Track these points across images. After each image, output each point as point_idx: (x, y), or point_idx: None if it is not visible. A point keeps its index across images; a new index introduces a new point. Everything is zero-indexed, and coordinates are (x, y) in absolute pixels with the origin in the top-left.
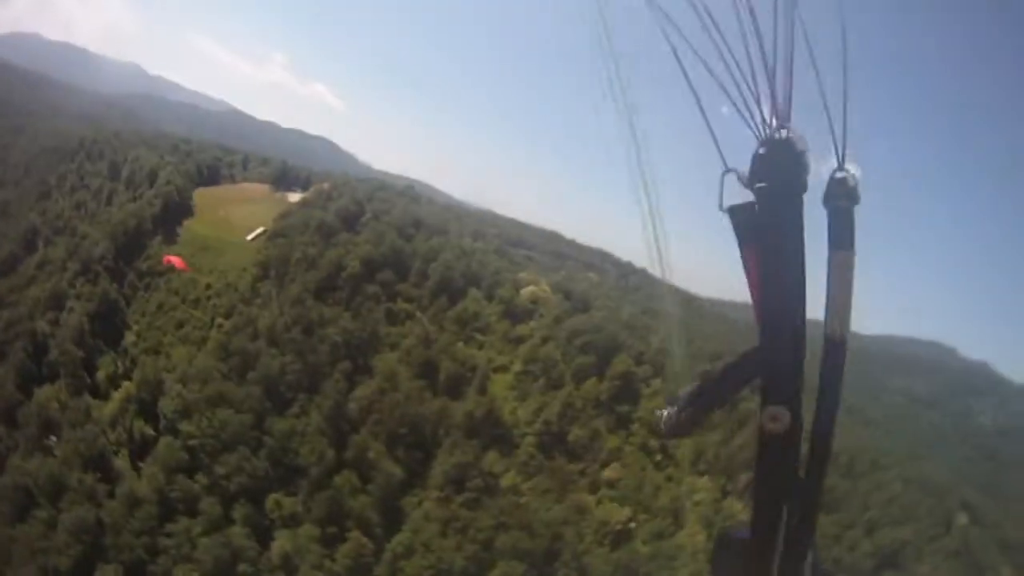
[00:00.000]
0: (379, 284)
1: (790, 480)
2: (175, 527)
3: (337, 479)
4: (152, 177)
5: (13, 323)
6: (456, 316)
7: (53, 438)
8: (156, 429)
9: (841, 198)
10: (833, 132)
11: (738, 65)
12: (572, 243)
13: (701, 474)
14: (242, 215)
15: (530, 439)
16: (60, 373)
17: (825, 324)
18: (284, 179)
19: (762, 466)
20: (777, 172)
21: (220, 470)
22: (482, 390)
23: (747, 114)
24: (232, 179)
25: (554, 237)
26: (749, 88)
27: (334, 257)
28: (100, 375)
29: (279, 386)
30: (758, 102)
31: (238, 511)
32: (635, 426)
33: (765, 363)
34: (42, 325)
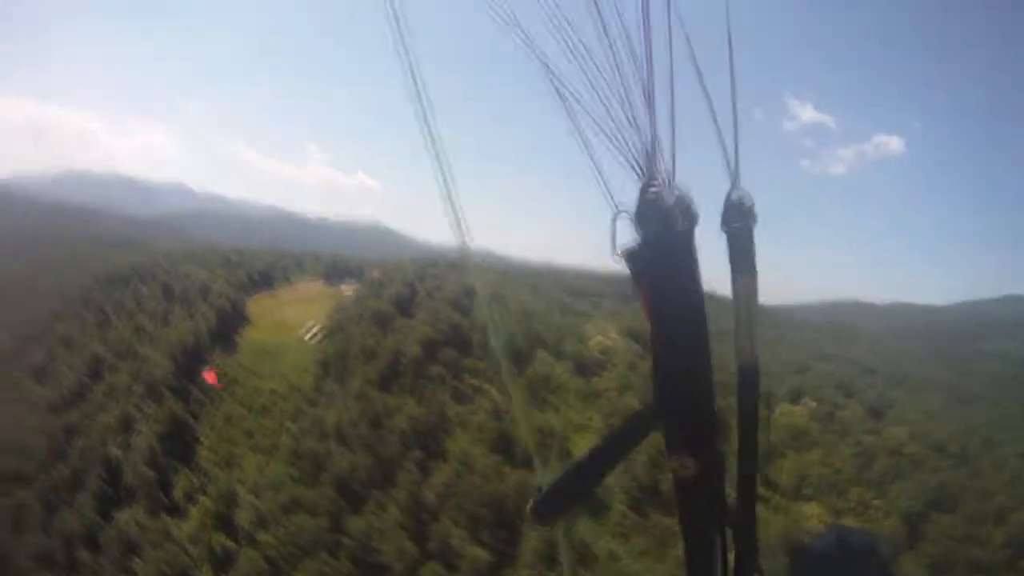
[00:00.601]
0: (442, 364)
1: (715, 516)
2: None
3: (423, 572)
4: (204, 292)
5: (87, 451)
6: (527, 382)
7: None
8: (236, 541)
9: (737, 220)
10: (726, 155)
11: (613, 114)
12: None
13: (808, 500)
14: (298, 315)
15: (620, 498)
16: (136, 495)
17: (735, 351)
18: (337, 272)
19: (683, 509)
20: (649, 223)
21: None
22: (564, 454)
23: (629, 159)
24: (287, 281)
25: (613, 279)
26: (626, 137)
27: (393, 344)
28: (176, 493)
29: (352, 484)
30: (635, 149)
31: None
32: (729, 461)
33: (660, 414)
34: (114, 450)
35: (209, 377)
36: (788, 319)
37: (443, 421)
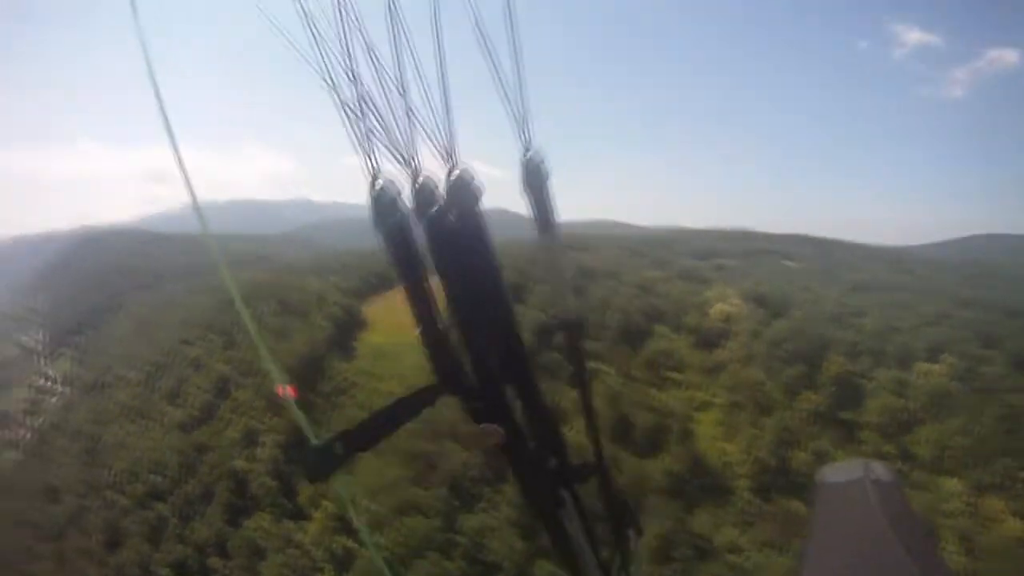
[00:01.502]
0: (556, 350)
1: (555, 475)
2: None
3: (533, 569)
4: (320, 301)
5: (216, 465)
6: (645, 360)
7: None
8: (358, 542)
9: (534, 180)
10: (515, 115)
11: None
12: (765, 236)
13: (949, 475)
14: (408, 321)
15: (744, 482)
16: (262, 503)
17: (555, 308)
18: None
19: (517, 478)
20: (424, 210)
21: None
22: (685, 436)
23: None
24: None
25: (745, 236)
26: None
27: None
28: (301, 499)
29: (464, 482)
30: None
31: None
32: (863, 433)
33: (457, 388)
34: (240, 463)
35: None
36: (919, 260)
37: (556, 410)
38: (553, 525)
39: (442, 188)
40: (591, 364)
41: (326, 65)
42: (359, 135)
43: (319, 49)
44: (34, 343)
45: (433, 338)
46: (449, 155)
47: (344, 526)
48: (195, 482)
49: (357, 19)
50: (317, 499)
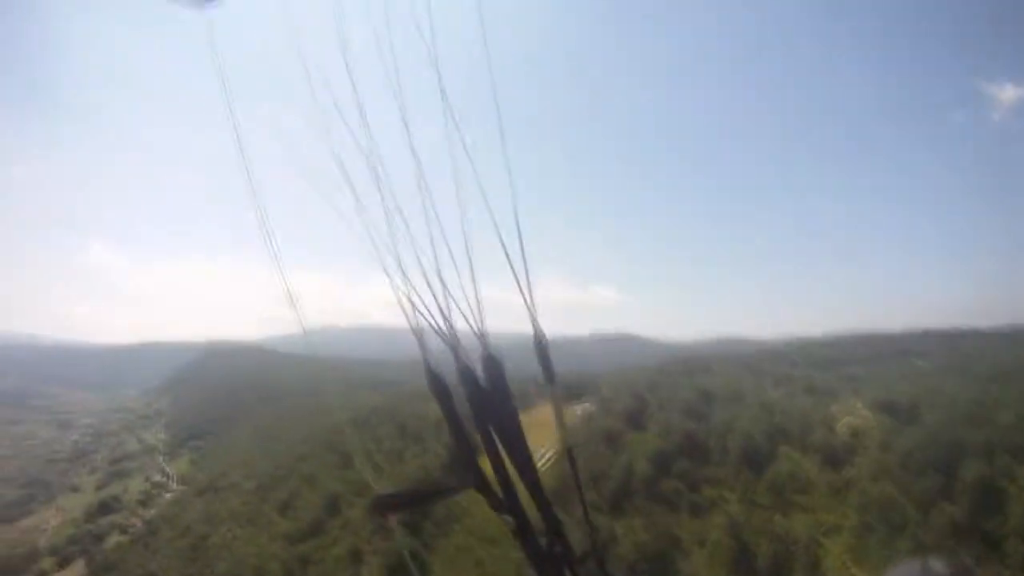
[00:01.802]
0: (676, 477)
1: (556, 555)
2: None
3: None
4: (438, 427)
5: None
6: (769, 484)
7: None
8: None
9: (539, 344)
10: (527, 303)
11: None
12: (888, 337)
13: None
14: (533, 440)
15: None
16: None
17: (559, 437)
18: (576, 392)
19: (526, 555)
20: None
21: None
22: (812, 565)
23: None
24: (526, 405)
25: (867, 339)
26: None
27: (623, 463)
28: None
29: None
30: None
31: None
32: (1007, 543)
33: (478, 484)
34: None
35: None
36: None
37: (673, 541)
38: None
39: (477, 362)
40: (712, 491)
41: (390, 267)
42: (413, 327)
43: (379, 248)
44: (156, 441)
45: (463, 452)
46: (483, 337)
47: None
48: None
49: (405, 223)
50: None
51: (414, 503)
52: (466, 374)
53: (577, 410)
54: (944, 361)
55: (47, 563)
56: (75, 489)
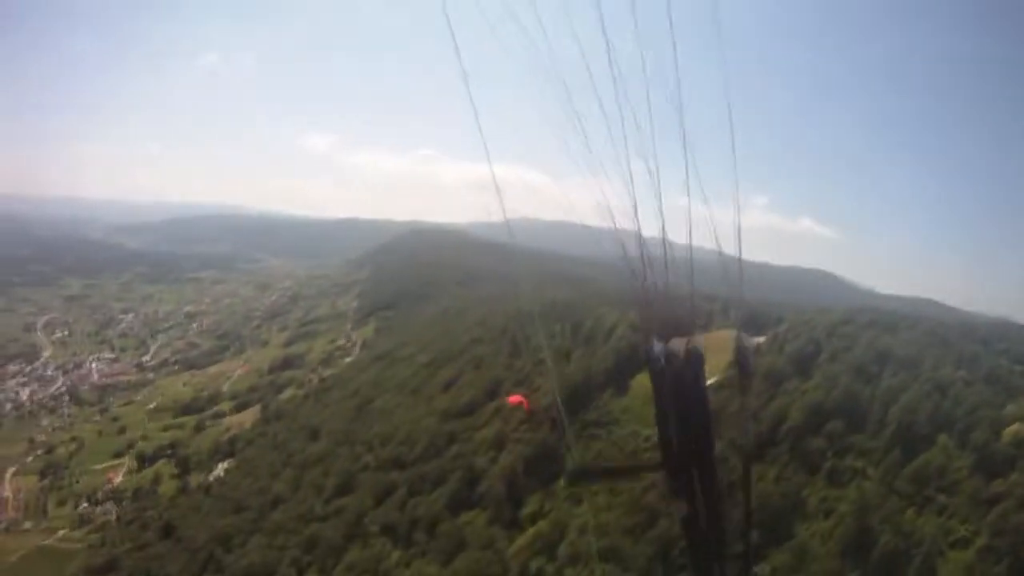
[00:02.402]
0: (825, 437)
1: (711, 545)
2: None
3: None
4: (610, 333)
5: (459, 456)
6: (914, 472)
7: None
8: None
9: (743, 360)
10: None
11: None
12: None
13: None
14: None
15: None
16: (485, 503)
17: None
18: (754, 322)
19: (687, 543)
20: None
21: None
22: (926, 573)
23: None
24: (705, 328)
25: None
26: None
27: (777, 408)
28: (524, 512)
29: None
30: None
31: None
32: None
33: (664, 468)
34: (481, 461)
35: (516, 400)
36: None
37: (796, 504)
38: None
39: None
40: (856, 462)
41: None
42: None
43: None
44: (348, 309)
45: (664, 439)
46: (691, 337)
47: (547, 548)
48: (434, 464)
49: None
50: (537, 516)
51: (607, 478)
52: (657, 361)
53: (757, 341)
54: None
55: (226, 405)
56: (264, 343)
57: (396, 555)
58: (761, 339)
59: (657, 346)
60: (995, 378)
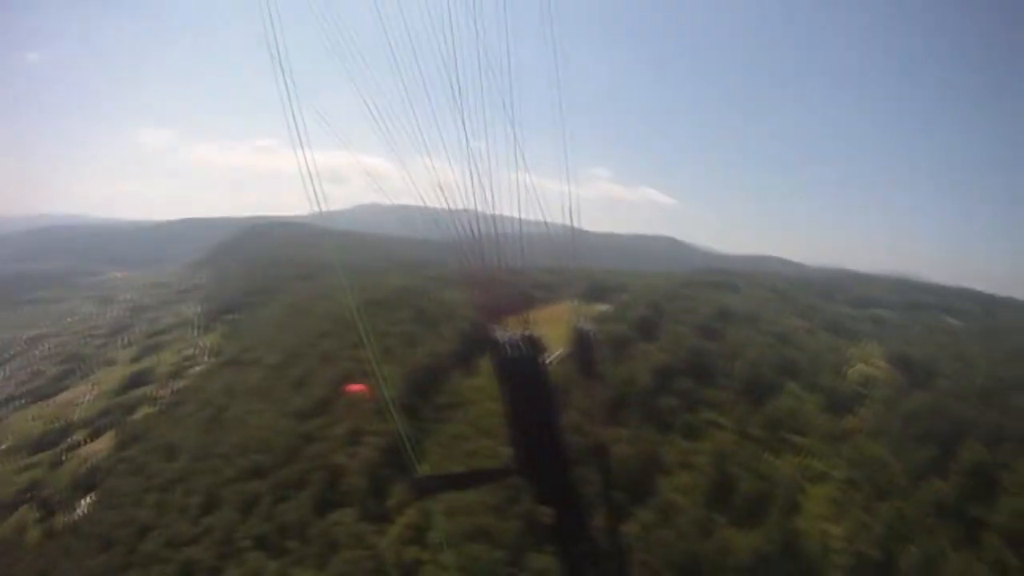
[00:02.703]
0: (675, 394)
1: (582, 553)
2: None
3: None
4: (453, 314)
5: (317, 456)
6: (766, 418)
7: None
8: (425, 556)
9: (582, 342)
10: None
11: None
12: (930, 287)
13: None
14: (548, 335)
15: (838, 575)
16: (350, 500)
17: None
18: (596, 292)
19: (556, 549)
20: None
21: None
22: (790, 510)
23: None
24: (547, 301)
25: (910, 286)
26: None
27: (624, 373)
28: (390, 503)
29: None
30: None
31: None
32: (987, 534)
33: (521, 470)
34: (340, 457)
35: (352, 390)
36: None
37: (652, 461)
38: None
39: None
40: (709, 415)
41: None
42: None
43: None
44: (192, 315)
45: (515, 440)
46: (527, 323)
47: (419, 537)
48: (295, 468)
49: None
50: (402, 506)
51: (455, 486)
52: (498, 346)
53: (597, 311)
54: (976, 326)
55: (80, 435)
56: (111, 363)
57: (273, 566)
58: (605, 307)
59: (499, 333)
60: (836, 325)
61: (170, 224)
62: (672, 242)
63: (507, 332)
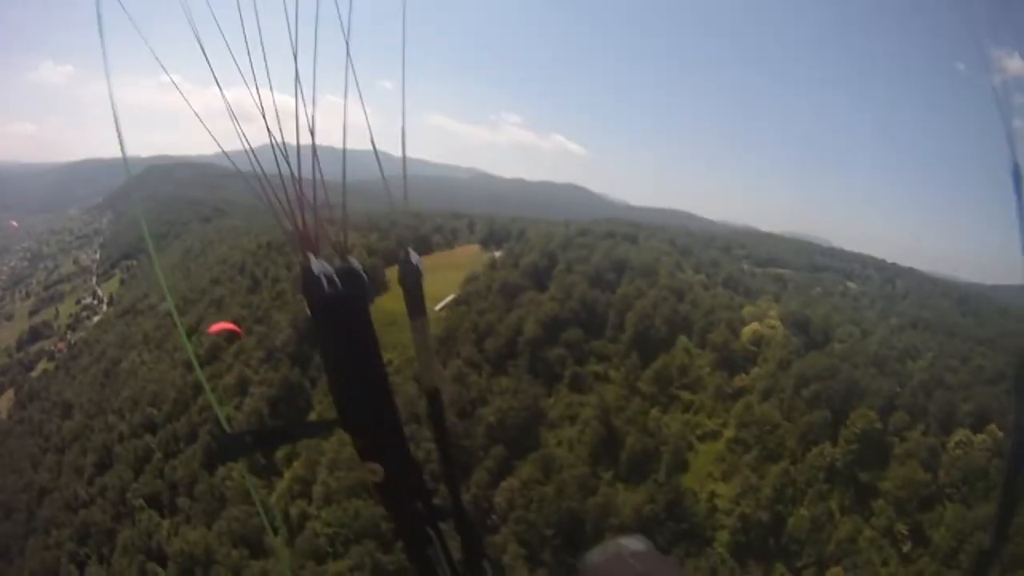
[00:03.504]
0: (564, 346)
1: (422, 514)
2: None
3: None
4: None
5: (205, 408)
6: (655, 374)
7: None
8: (310, 511)
9: (410, 276)
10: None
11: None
12: (834, 251)
13: (961, 571)
14: (440, 284)
15: (724, 535)
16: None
17: (419, 380)
18: (494, 238)
19: (389, 512)
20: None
21: (347, 563)
22: (677, 467)
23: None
24: (448, 246)
25: (815, 248)
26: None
27: (513, 321)
28: (279, 455)
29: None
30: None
31: None
32: (877, 501)
33: (348, 428)
34: (227, 410)
35: (220, 328)
36: (989, 302)
37: (536, 415)
38: (421, 559)
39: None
40: (597, 367)
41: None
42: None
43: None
44: (91, 262)
45: (335, 388)
46: (344, 248)
47: (306, 491)
48: (184, 422)
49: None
50: (291, 459)
51: (268, 444)
52: (314, 280)
53: (493, 255)
54: (877, 293)
55: None
56: (9, 317)
57: (166, 525)
58: (498, 253)
59: (316, 264)
60: (734, 282)
61: (71, 166)
62: (580, 190)
63: (324, 264)
